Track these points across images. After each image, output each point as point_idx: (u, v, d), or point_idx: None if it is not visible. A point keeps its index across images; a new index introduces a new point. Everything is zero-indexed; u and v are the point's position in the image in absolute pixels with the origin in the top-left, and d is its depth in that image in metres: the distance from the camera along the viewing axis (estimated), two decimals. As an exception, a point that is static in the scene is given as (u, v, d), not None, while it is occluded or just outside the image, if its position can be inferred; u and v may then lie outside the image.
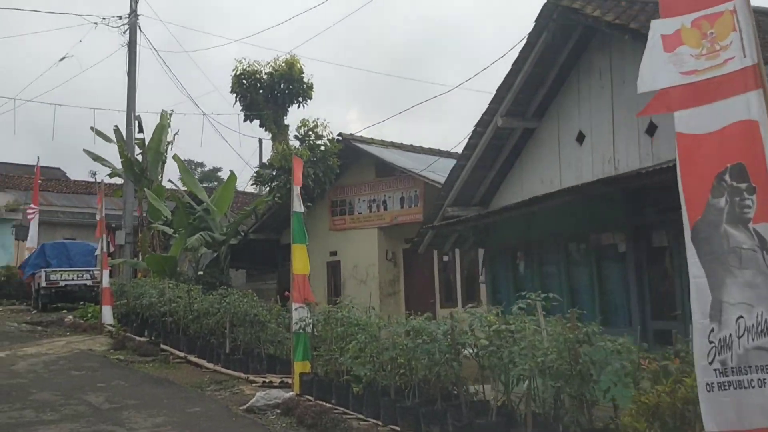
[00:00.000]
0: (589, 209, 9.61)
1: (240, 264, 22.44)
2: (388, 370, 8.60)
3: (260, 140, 32.17)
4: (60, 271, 23.12)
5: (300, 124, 11.86)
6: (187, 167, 20.33)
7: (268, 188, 11.68)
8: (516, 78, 10.51)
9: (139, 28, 24.66)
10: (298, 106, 13.27)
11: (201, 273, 19.91)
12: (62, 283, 22.89)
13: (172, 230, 20.45)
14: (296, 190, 10.94)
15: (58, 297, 23.14)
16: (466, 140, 11.51)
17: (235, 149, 53.40)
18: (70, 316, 19.81)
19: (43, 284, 22.67)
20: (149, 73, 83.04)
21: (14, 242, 32.80)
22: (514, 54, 10.56)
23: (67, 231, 32.76)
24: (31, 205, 28.98)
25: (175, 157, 20.32)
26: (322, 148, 12.30)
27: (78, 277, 23.17)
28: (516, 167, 11.64)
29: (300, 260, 10.94)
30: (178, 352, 14.59)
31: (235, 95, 12.74)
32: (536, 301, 6.97)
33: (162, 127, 23.57)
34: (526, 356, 6.16)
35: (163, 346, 15.22)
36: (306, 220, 20.24)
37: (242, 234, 20.72)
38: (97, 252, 18.25)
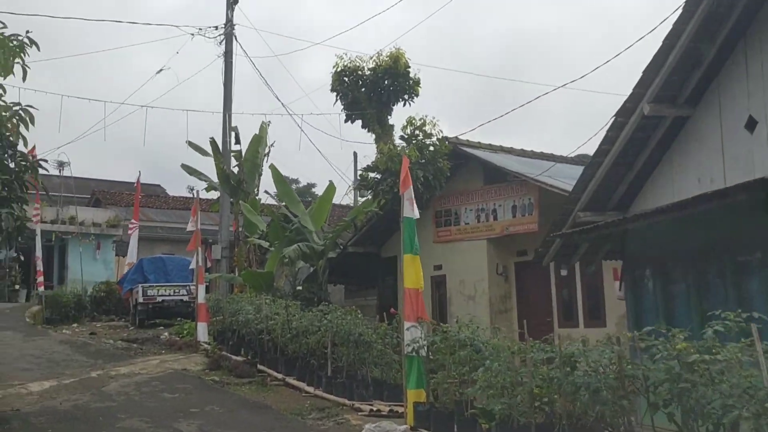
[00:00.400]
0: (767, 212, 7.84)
1: (338, 279, 21.33)
2: (526, 405, 7.10)
3: (355, 154, 31.27)
4: (157, 286, 22.70)
5: (406, 123, 10.62)
6: (283, 177, 19.41)
7: (371, 193, 10.50)
8: (668, 56, 8.84)
9: (235, 38, 24.22)
10: (404, 104, 12.02)
11: (299, 288, 18.90)
12: (159, 299, 22.43)
13: (268, 243, 19.56)
14: (408, 193, 9.63)
15: (155, 313, 22.68)
16: (604, 134, 9.87)
17: (329, 161, 53.20)
18: (166, 333, 19.18)
19: (141, 300, 22.27)
20: (242, 84, 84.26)
21: (115, 258, 33.06)
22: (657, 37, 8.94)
23: (165, 246, 32.71)
24: (132, 221, 28.99)
25: (272, 167, 19.46)
26: (431, 148, 10.95)
27: (175, 292, 22.67)
28: (664, 164, 9.91)
29: (413, 273, 9.59)
30: (275, 374, 13.50)
31: (335, 94, 11.70)
32: (734, 322, 5.35)
33: (259, 139, 22.89)
34: (741, 397, 4.55)
35: (260, 367, 14.19)
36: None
37: (341, 247, 19.62)
38: (192, 265, 17.49)
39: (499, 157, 17.08)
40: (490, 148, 17.64)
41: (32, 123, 9.51)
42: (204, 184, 23.23)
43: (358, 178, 10.90)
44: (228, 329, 16.66)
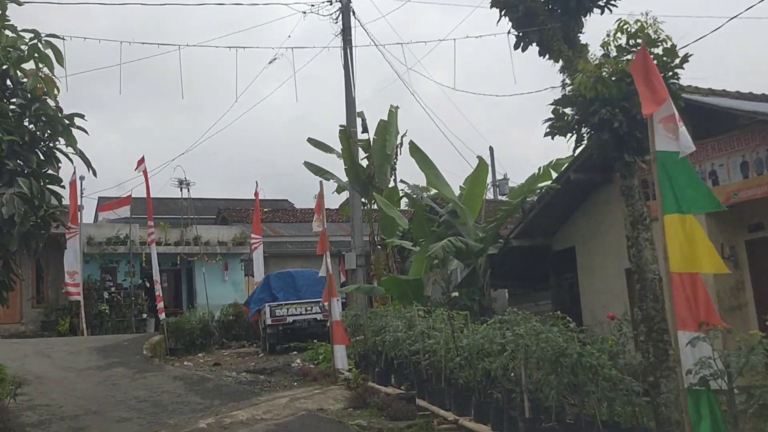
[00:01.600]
0: None
1: (500, 281, 17.32)
2: None
3: (491, 148, 27.17)
4: (286, 305, 19.58)
5: (616, 29, 6.91)
6: (426, 156, 15.64)
7: (571, 137, 6.79)
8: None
9: (353, 13, 20.97)
10: (601, 11, 8.41)
11: (454, 295, 15.11)
12: (289, 319, 19.29)
13: (411, 243, 15.91)
14: (666, 109, 5.62)
15: (286, 336, 19.59)
16: None
17: (466, 146, 49.27)
18: (299, 360, 15.89)
19: (269, 321, 19.20)
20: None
21: (244, 278, 30.62)
22: None
23: (297, 263, 29.87)
24: (254, 235, 26.33)
25: (411, 146, 15.73)
26: (665, 58, 7.19)
27: (307, 310, 19.47)
28: None
29: (684, 245, 5.53)
30: (443, 413, 9.72)
31: (498, 10, 8.43)
32: None
33: (388, 126, 19.43)
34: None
35: (419, 402, 10.47)
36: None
37: (500, 241, 15.64)
38: (322, 273, 14.07)
39: (721, 102, 12.62)
40: (698, 90, 13.15)
41: (60, 62, 6.28)
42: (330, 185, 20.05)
43: (550, 115, 7.22)
44: (372, 351, 13.13)
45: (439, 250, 13.48)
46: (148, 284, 27.59)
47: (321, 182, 14.42)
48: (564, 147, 17.15)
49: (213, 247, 29.26)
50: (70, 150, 6.61)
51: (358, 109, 20.38)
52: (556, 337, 7.62)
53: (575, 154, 11.91)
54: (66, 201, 26.42)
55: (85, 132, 6.62)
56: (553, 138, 7.72)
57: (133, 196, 27.24)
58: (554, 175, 14.69)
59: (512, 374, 8.61)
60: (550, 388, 7.75)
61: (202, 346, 22.05)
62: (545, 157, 60.42)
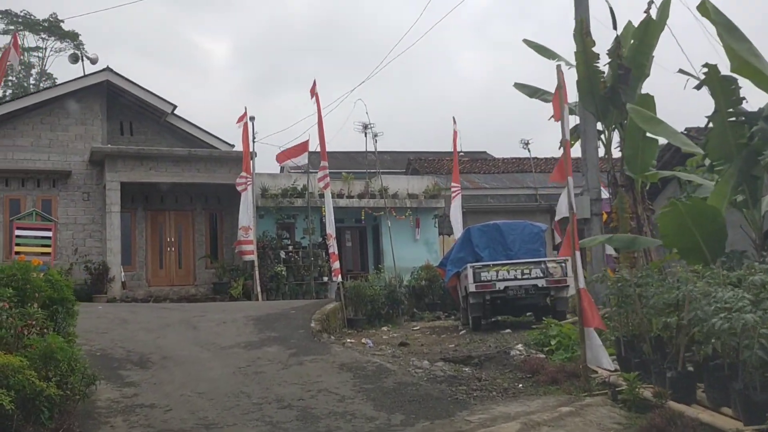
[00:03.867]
0: None
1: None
2: None
3: None
4: (495, 266, 14.63)
5: None
6: (731, 23, 9.68)
7: None
8: None
9: None
10: None
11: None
12: (500, 285, 14.31)
13: (701, 169, 10.20)
14: None
15: (496, 308, 14.74)
16: None
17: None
18: (520, 347, 10.83)
19: (472, 288, 14.35)
20: None
21: (438, 238, 26.08)
22: None
23: (497, 218, 25.00)
24: (453, 184, 21.61)
25: (705, 5, 9.77)
26: None
27: (523, 274, 14.40)
28: None
29: None
30: None
31: None
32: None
33: (651, 25, 13.52)
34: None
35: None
36: None
37: None
38: (560, 215, 8.87)
39: None
40: None
41: None
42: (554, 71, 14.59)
43: None
44: (640, 338, 7.84)
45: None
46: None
47: (558, 66, 9.06)
48: None
49: (402, 200, 24.95)
50: None
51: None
52: None
53: None
54: (238, 146, 23.34)
55: None
56: None
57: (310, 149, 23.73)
58: None
59: None
60: None
61: (388, 317, 17.83)
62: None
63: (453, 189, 21.34)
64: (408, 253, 23.54)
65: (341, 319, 16.12)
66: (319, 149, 17.83)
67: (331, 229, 16.83)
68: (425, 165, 30.15)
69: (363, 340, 13.45)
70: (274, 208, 23.44)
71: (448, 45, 73.22)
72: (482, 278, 14.33)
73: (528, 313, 15.54)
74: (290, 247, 23.39)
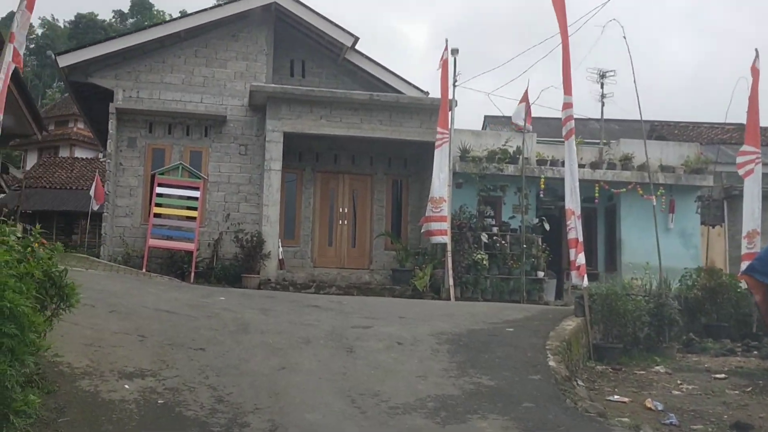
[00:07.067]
0: None
1: None
2: None
3: None
4: None
5: None
6: None
7: None
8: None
9: None
10: None
11: None
12: None
13: None
14: None
15: None
16: None
17: None
18: None
19: None
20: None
21: (700, 228, 18.92)
22: None
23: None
24: (747, 148, 14.54)
25: None
26: None
27: None
28: None
29: None
30: None
31: None
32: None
33: None
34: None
35: None
36: None
37: None
38: None
39: None
40: None
41: None
42: None
43: None
44: None
45: None
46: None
47: None
48: None
49: (652, 174, 18.06)
50: None
51: None
52: None
53: None
54: (433, 92, 17.77)
55: None
56: None
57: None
58: None
59: None
60: None
61: (648, 343, 11.38)
62: None
63: (747, 157, 14.26)
64: (655, 247, 16.75)
65: (585, 345, 10.02)
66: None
67: (573, 201, 10.66)
68: (676, 132, 22.82)
69: (648, 403, 7.27)
70: (476, 176, 17.62)
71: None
72: None
73: None
74: (495, 229, 17.47)
